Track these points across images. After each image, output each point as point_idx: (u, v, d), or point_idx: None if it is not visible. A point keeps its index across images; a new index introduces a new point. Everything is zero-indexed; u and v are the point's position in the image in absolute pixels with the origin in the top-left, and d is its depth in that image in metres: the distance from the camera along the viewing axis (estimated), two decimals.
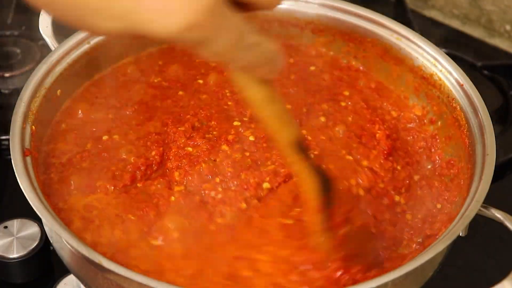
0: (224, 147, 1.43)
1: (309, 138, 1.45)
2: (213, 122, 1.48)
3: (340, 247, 1.27)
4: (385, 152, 1.45)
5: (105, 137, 1.46)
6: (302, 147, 1.20)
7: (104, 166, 1.41)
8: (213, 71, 1.60)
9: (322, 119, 1.50)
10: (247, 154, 1.43)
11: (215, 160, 1.41)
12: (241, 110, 1.51)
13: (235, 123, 1.49)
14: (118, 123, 1.49)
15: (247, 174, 1.38)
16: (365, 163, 1.42)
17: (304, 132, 1.47)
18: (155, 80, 1.59)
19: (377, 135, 1.48)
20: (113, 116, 1.50)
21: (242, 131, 1.47)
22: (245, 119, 1.49)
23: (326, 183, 1.24)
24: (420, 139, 1.51)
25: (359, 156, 1.43)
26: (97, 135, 1.46)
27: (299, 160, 1.20)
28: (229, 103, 1.53)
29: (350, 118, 1.51)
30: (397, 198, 1.40)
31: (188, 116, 1.50)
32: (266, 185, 1.37)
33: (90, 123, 1.49)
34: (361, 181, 1.38)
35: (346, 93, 1.57)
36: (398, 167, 1.44)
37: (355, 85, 1.60)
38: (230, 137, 1.45)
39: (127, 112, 1.51)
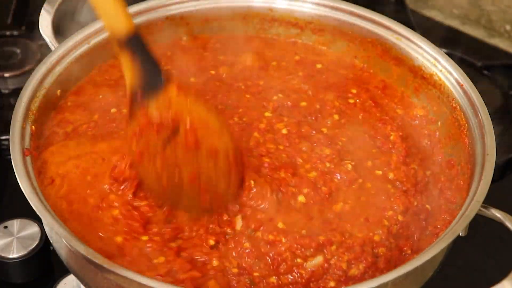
0: (256, 134, 1.43)
1: (340, 144, 1.44)
2: (240, 110, 1.49)
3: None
4: (403, 155, 1.45)
5: (113, 110, 1.47)
6: (127, 44, 1.24)
7: (111, 131, 1.43)
8: (224, 64, 1.61)
9: (336, 116, 1.51)
10: (281, 147, 1.42)
11: (247, 141, 1.42)
12: (262, 103, 1.52)
13: (267, 113, 1.49)
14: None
15: (286, 174, 1.37)
16: (391, 175, 1.41)
17: (324, 130, 1.47)
18: (165, 68, 1.59)
19: (391, 137, 1.48)
20: (123, 93, 1.51)
21: (274, 122, 1.47)
22: (268, 113, 1.50)
23: (154, 83, 1.27)
24: (425, 136, 1.51)
25: (383, 167, 1.42)
26: (105, 108, 1.47)
27: (122, 54, 1.25)
28: (247, 95, 1.54)
29: (360, 117, 1.52)
30: (428, 206, 1.39)
31: (207, 97, 1.50)
32: (301, 198, 1.35)
33: (99, 99, 1.50)
34: (396, 207, 1.36)
35: (354, 90, 1.58)
36: (415, 166, 1.44)
37: (361, 83, 1.60)
38: (261, 126, 1.45)
39: None
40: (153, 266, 1.25)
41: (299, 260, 1.27)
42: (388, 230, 1.32)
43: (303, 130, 1.46)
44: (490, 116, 1.41)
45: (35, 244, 1.51)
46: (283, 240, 1.28)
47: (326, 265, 1.27)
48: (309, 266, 1.27)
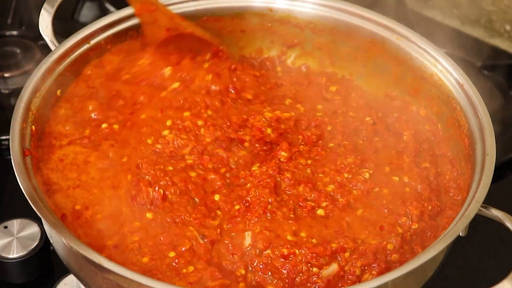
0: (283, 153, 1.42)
1: (365, 152, 1.46)
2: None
3: None
4: (412, 154, 1.45)
5: (104, 125, 1.47)
6: None
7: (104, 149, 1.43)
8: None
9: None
10: (309, 162, 1.41)
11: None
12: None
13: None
14: (115, 112, 1.50)
15: (305, 188, 1.37)
16: (406, 179, 1.41)
17: (357, 139, 1.48)
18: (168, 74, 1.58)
19: (405, 137, 1.49)
20: (118, 105, 1.52)
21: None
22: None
23: None
24: (431, 132, 1.52)
25: (397, 171, 1.42)
26: (96, 123, 1.47)
27: None
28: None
29: (373, 111, 1.54)
30: (438, 203, 1.40)
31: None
32: (320, 212, 1.35)
33: (88, 110, 1.49)
34: (410, 212, 1.35)
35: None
36: (427, 164, 1.45)
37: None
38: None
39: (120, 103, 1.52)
40: (183, 275, 1.25)
41: (315, 269, 1.26)
42: (402, 237, 1.32)
43: (331, 145, 1.47)
44: (490, 116, 1.41)
45: (35, 244, 1.51)
46: (297, 252, 1.27)
47: (341, 272, 1.27)
48: (325, 274, 1.26)
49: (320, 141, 1.46)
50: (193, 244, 1.29)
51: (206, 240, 1.30)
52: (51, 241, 1.37)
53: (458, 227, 1.24)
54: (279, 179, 1.38)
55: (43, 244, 1.52)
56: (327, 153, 1.43)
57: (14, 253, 1.50)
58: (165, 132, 1.43)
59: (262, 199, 1.34)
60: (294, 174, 1.39)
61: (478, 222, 1.30)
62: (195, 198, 1.36)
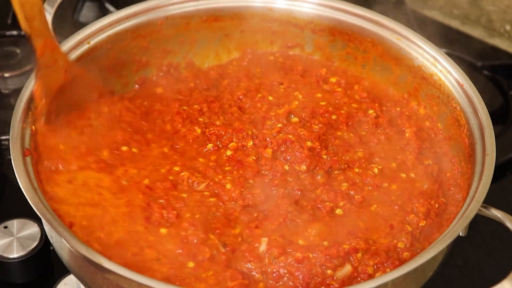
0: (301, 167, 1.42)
1: (372, 145, 1.47)
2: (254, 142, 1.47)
3: None
4: (416, 151, 1.46)
5: (124, 148, 1.44)
6: None
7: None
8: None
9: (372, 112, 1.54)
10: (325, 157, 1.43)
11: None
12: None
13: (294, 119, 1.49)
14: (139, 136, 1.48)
15: (322, 190, 1.38)
16: (412, 175, 1.42)
17: (363, 132, 1.49)
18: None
19: (407, 134, 1.49)
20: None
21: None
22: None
23: None
24: (433, 129, 1.52)
25: (402, 166, 1.43)
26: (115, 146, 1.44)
27: None
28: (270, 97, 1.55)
29: (376, 105, 1.55)
30: (443, 199, 1.40)
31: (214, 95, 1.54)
32: (339, 211, 1.36)
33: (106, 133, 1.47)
34: (416, 210, 1.36)
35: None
36: (430, 162, 1.46)
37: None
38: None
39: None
40: (202, 279, 1.24)
41: (329, 271, 1.26)
42: (412, 235, 1.32)
43: (339, 133, 1.48)
44: (490, 116, 1.41)
45: (35, 244, 1.51)
46: (310, 255, 1.27)
47: (355, 273, 1.27)
48: (340, 276, 1.26)
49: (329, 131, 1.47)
50: (214, 253, 1.27)
51: (227, 248, 1.29)
52: (51, 241, 1.37)
53: (458, 227, 1.24)
54: (299, 193, 1.38)
55: (43, 244, 1.52)
56: (339, 145, 1.44)
57: (14, 253, 1.50)
58: (177, 168, 1.41)
59: (281, 208, 1.34)
60: (313, 176, 1.40)
61: (478, 222, 1.30)
62: (216, 213, 1.34)
